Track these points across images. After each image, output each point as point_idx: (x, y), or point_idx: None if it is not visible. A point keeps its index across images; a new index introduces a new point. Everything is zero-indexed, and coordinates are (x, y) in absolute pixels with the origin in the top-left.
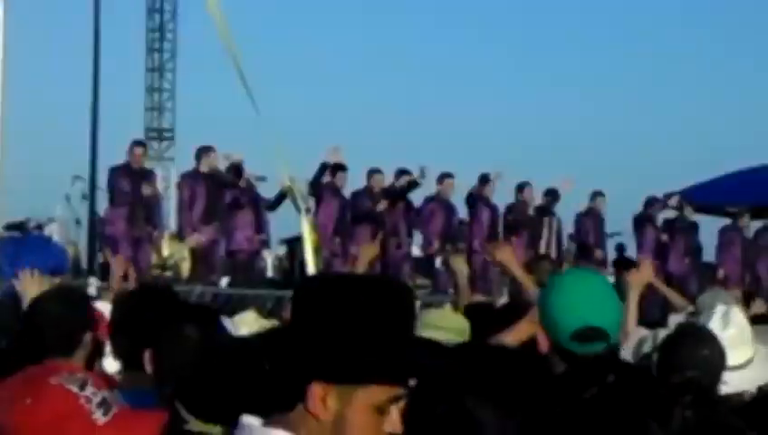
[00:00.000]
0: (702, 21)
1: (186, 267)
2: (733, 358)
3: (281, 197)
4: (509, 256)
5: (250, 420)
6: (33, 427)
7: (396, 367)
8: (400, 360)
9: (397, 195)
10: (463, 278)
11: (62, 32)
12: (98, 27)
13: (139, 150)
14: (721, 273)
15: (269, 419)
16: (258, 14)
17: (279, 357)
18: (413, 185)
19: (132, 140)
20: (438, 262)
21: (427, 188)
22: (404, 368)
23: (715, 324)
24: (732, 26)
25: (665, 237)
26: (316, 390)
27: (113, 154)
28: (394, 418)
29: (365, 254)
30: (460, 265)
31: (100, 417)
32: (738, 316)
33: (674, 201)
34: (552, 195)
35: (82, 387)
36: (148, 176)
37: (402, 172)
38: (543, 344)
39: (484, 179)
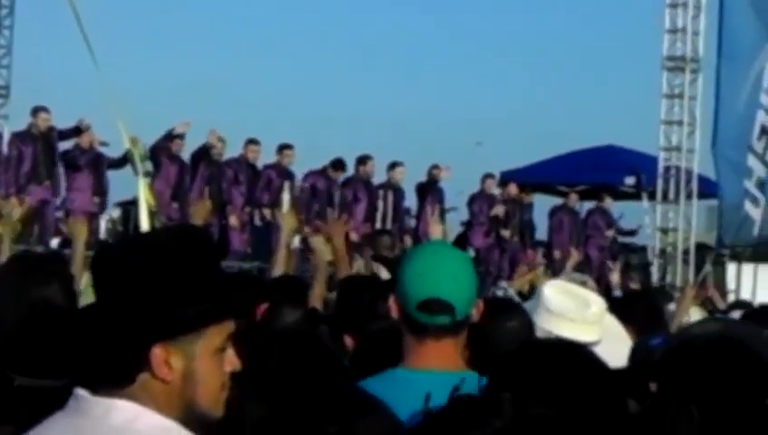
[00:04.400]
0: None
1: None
2: (586, 336)
3: (125, 158)
4: (341, 231)
5: (85, 393)
6: None
7: (224, 303)
8: (226, 295)
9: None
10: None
11: None
12: None
13: None
14: (557, 253)
15: (105, 390)
16: None
17: (107, 330)
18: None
19: None
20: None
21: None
22: (232, 302)
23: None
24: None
25: (500, 213)
26: (158, 353)
27: None
28: (231, 355)
29: (197, 211)
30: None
31: None
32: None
33: (512, 189)
34: (392, 168)
35: None
36: None
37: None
38: (394, 312)
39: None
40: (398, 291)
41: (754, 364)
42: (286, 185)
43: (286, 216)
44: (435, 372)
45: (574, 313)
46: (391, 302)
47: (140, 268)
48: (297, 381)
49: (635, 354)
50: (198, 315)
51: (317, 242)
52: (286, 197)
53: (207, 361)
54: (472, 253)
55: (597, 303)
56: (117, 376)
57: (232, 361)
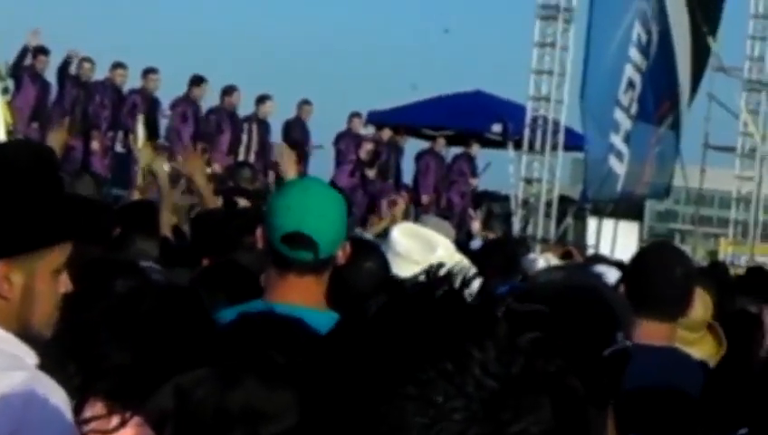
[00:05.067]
0: None
1: None
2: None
3: None
4: (198, 165)
5: None
6: None
7: (68, 224)
8: (70, 217)
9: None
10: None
11: None
12: None
13: None
14: (425, 198)
15: None
16: None
17: None
18: None
19: None
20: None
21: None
22: (74, 223)
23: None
24: None
25: (365, 154)
26: (3, 269)
27: None
28: (65, 278)
29: (55, 138)
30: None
31: None
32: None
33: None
34: (260, 101)
35: None
36: None
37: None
38: (260, 243)
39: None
40: (265, 222)
41: (597, 310)
42: (140, 117)
43: (142, 149)
44: (294, 307)
45: (419, 254)
46: (258, 233)
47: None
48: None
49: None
50: (43, 234)
51: (158, 167)
52: (141, 128)
53: (46, 280)
54: None
55: (444, 246)
56: None
57: (66, 282)
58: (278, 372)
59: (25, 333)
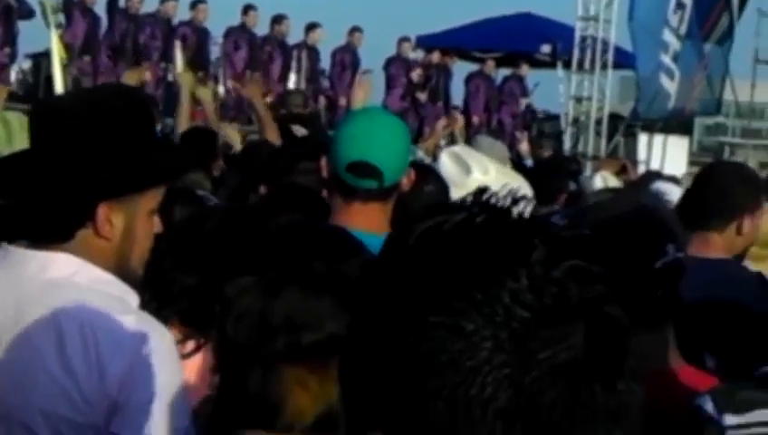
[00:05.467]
0: None
1: None
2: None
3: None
4: (256, 92)
5: (14, 246)
6: None
7: (166, 166)
8: (168, 158)
9: None
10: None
11: None
12: None
13: None
14: (475, 119)
15: (38, 245)
16: None
17: (49, 184)
18: None
19: None
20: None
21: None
22: (172, 165)
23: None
24: None
25: (416, 77)
26: (103, 211)
27: None
28: (157, 219)
29: (130, 76)
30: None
31: None
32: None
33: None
34: (310, 29)
35: None
36: None
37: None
38: (325, 172)
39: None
40: (329, 152)
41: (646, 227)
42: (177, 44)
43: (183, 74)
44: (359, 232)
45: (457, 177)
46: (323, 162)
47: (90, 127)
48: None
49: None
50: (144, 177)
51: (204, 94)
52: (179, 54)
53: (143, 221)
54: None
55: (482, 168)
56: (56, 231)
57: (158, 223)
58: (319, 282)
59: (123, 273)
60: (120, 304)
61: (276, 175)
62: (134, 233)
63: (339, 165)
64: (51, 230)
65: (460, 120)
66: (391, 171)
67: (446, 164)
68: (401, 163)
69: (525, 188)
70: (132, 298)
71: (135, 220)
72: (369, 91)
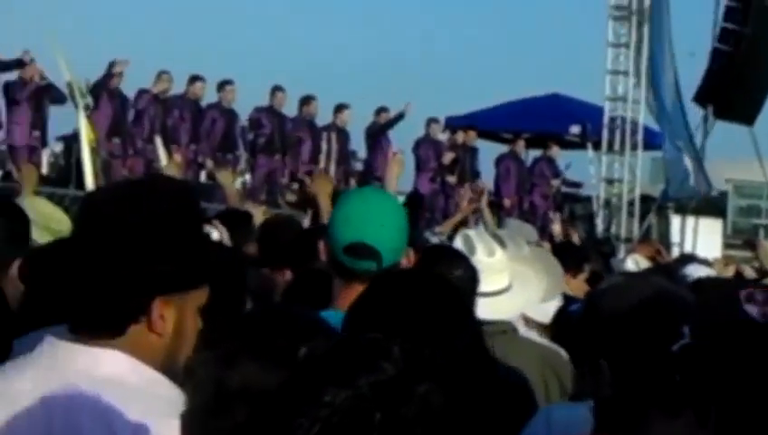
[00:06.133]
0: None
1: None
2: (488, 285)
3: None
4: (323, 188)
5: (63, 340)
6: None
7: (217, 263)
8: (217, 255)
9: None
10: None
11: None
12: None
13: None
14: (507, 202)
15: (88, 340)
16: None
17: (104, 278)
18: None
19: None
20: (203, 175)
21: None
22: (221, 261)
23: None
24: None
25: (446, 160)
26: (157, 306)
27: None
28: (199, 317)
29: (169, 167)
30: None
31: None
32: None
33: (462, 135)
34: (338, 110)
35: None
36: None
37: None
38: (323, 255)
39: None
40: (327, 234)
41: (658, 309)
42: (156, 138)
43: (223, 174)
44: None
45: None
46: (321, 245)
47: (143, 219)
48: None
49: (556, 319)
50: (197, 274)
51: (224, 177)
52: (160, 147)
53: (193, 317)
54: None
55: (487, 251)
56: (107, 325)
57: (199, 321)
58: (276, 355)
59: (170, 371)
60: (173, 407)
61: (302, 259)
62: (184, 329)
63: (336, 247)
64: (102, 323)
65: (485, 190)
66: (389, 252)
67: (455, 244)
68: (399, 243)
69: (529, 275)
70: (181, 400)
71: (185, 316)
72: (402, 169)
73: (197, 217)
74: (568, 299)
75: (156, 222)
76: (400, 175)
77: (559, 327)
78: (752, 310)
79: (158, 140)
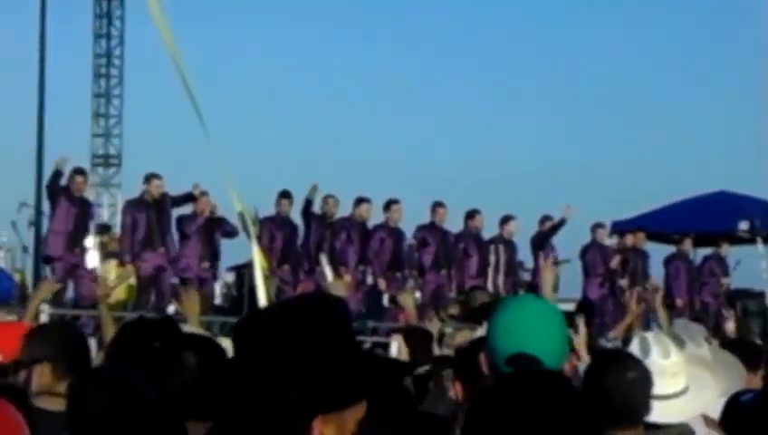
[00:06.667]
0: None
1: (125, 292)
2: (663, 387)
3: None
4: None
5: None
6: None
7: (370, 382)
8: (371, 375)
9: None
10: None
11: (6, 57)
12: (44, 53)
13: (79, 178)
14: (678, 302)
15: None
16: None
17: (267, 399)
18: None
19: (72, 167)
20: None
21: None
22: (380, 376)
23: (656, 352)
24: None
25: (615, 265)
26: (318, 425)
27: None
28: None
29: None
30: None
31: None
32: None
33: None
34: (504, 222)
35: None
36: (88, 206)
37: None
38: (485, 367)
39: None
40: (487, 346)
41: None
42: (322, 256)
43: (404, 295)
44: None
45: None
46: (482, 357)
47: (298, 339)
48: None
49: (726, 408)
50: (356, 391)
51: (405, 298)
52: (326, 266)
53: (350, 432)
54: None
55: (663, 353)
56: None
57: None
58: None
59: None
60: None
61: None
62: None
63: (497, 359)
64: None
65: (659, 288)
66: (551, 359)
67: (631, 347)
68: (560, 349)
69: (706, 378)
70: None
71: (344, 432)
72: (554, 275)
73: (347, 331)
74: None
75: (313, 341)
76: (553, 281)
77: (730, 418)
78: None
79: (324, 259)
